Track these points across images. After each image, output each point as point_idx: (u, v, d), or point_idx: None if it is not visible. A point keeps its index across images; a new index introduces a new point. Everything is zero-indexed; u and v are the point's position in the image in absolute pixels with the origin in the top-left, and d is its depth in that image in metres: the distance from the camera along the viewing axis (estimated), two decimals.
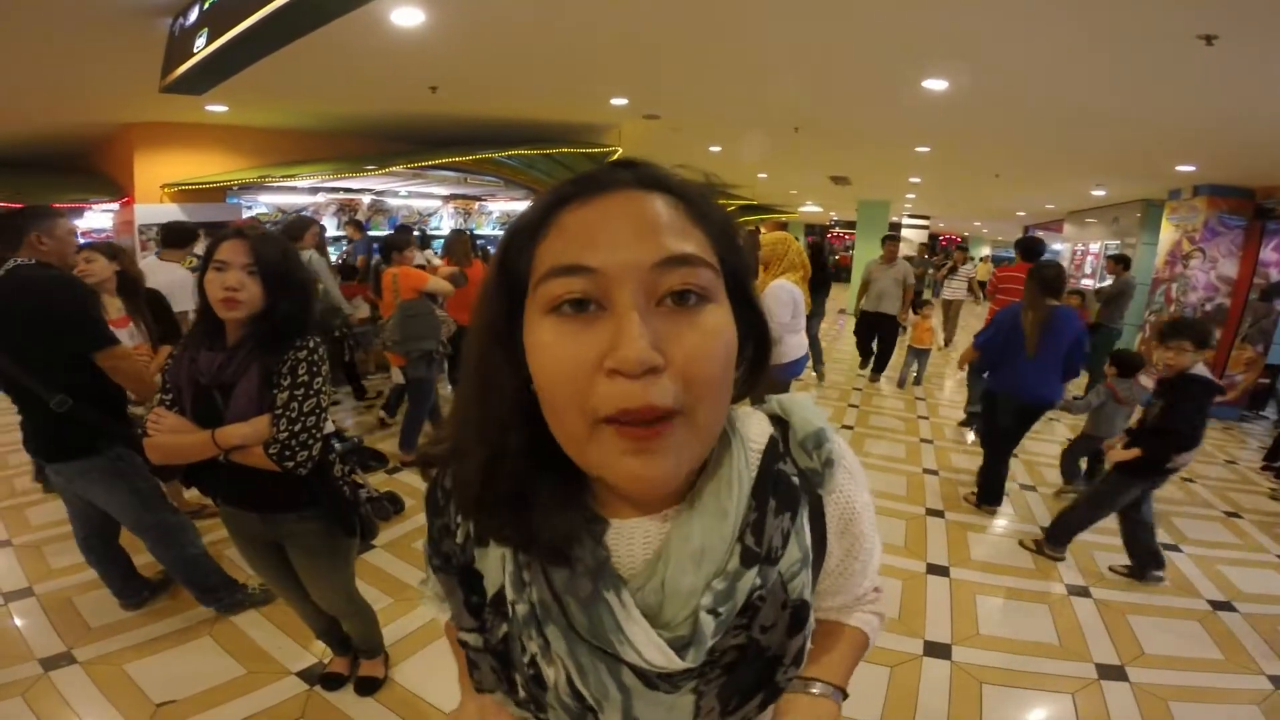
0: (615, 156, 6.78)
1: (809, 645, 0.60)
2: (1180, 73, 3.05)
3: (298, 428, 1.48)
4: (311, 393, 1.50)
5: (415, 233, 7.89)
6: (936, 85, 3.68)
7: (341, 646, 2.09)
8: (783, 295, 3.38)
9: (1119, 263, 6.98)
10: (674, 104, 4.81)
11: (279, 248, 1.52)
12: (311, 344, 1.53)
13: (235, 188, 6.31)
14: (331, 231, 8.59)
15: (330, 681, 2.06)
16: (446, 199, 10.24)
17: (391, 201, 9.41)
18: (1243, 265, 6.68)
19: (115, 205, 6.46)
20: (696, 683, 0.55)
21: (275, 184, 6.41)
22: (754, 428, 0.62)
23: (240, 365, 1.47)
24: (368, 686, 2.05)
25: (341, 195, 8.51)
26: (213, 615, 2.41)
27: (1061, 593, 2.99)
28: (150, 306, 2.75)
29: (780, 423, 0.64)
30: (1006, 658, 2.46)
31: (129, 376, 2.12)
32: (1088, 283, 9.93)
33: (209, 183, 5.81)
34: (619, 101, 4.73)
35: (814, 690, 0.68)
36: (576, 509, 0.56)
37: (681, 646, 0.52)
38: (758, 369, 0.58)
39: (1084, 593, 2.99)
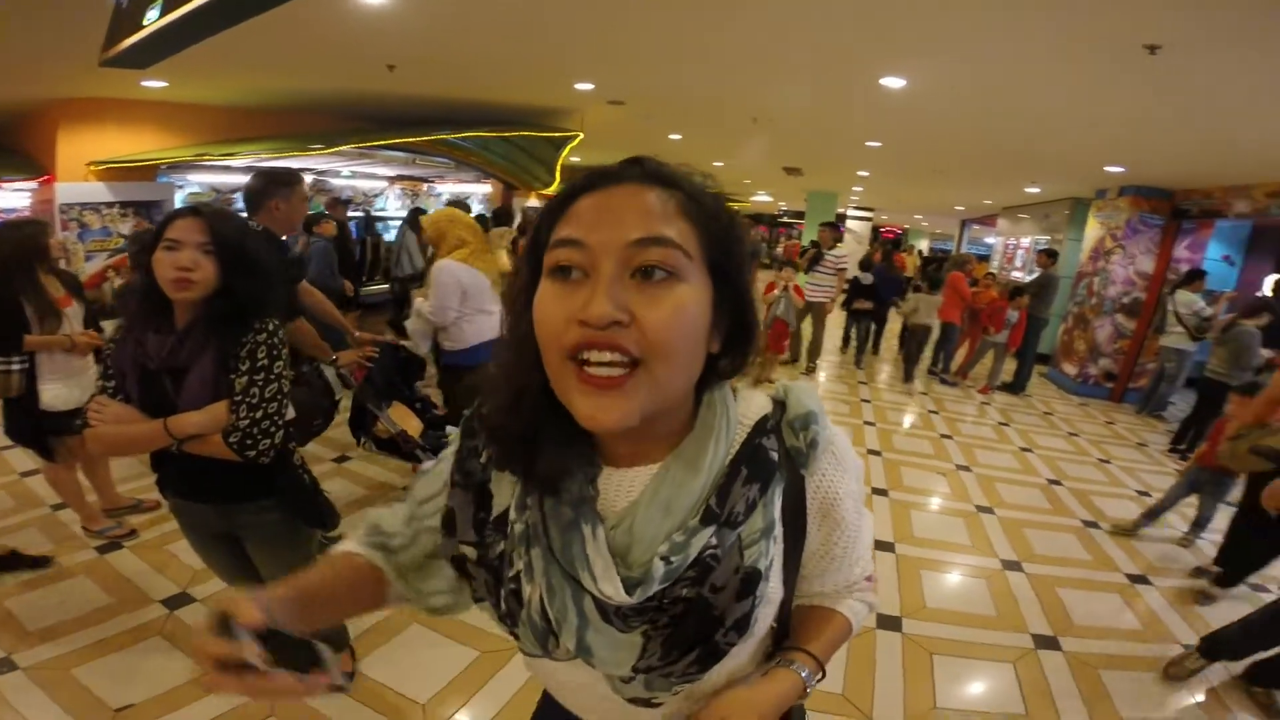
0: (577, 141, 6.78)
1: (757, 616, 0.64)
2: (1123, 80, 3.23)
3: (259, 414, 1.42)
4: (272, 377, 1.45)
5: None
6: (894, 83, 3.80)
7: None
8: (443, 278, 3.01)
9: (1048, 256, 7.41)
10: (639, 91, 4.80)
11: (237, 226, 1.47)
12: (271, 326, 1.47)
13: (164, 167, 5.97)
14: None
15: None
16: (392, 180, 9.93)
17: (334, 182, 9.08)
18: (1158, 261, 7.17)
19: (33, 184, 6.02)
20: (647, 628, 0.62)
21: (211, 163, 6.10)
22: (751, 406, 0.70)
23: (194, 348, 1.40)
24: None
25: None
26: (162, 614, 2.33)
27: (996, 567, 3.18)
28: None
29: (779, 405, 0.71)
30: (952, 629, 2.63)
31: (305, 343, 2.44)
32: (1018, 275, 10.47)
33: (139, 161, 5.49)
34: (584, 86, 4.69)
35: (793, 666, 0.75)
36: (577, 451, 0.65)
37: (633, 585, 0.60)
38: (738, 350, 0.66)
39: (1016, 567, 3.19)
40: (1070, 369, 7.87)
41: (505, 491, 0.68)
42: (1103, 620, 2.82)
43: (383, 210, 10.09)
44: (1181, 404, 6.61)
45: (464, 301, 3.06)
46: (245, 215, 2.39)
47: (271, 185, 2.33)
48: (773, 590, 0.67)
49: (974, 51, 3.19)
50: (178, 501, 1.61)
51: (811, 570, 0.75)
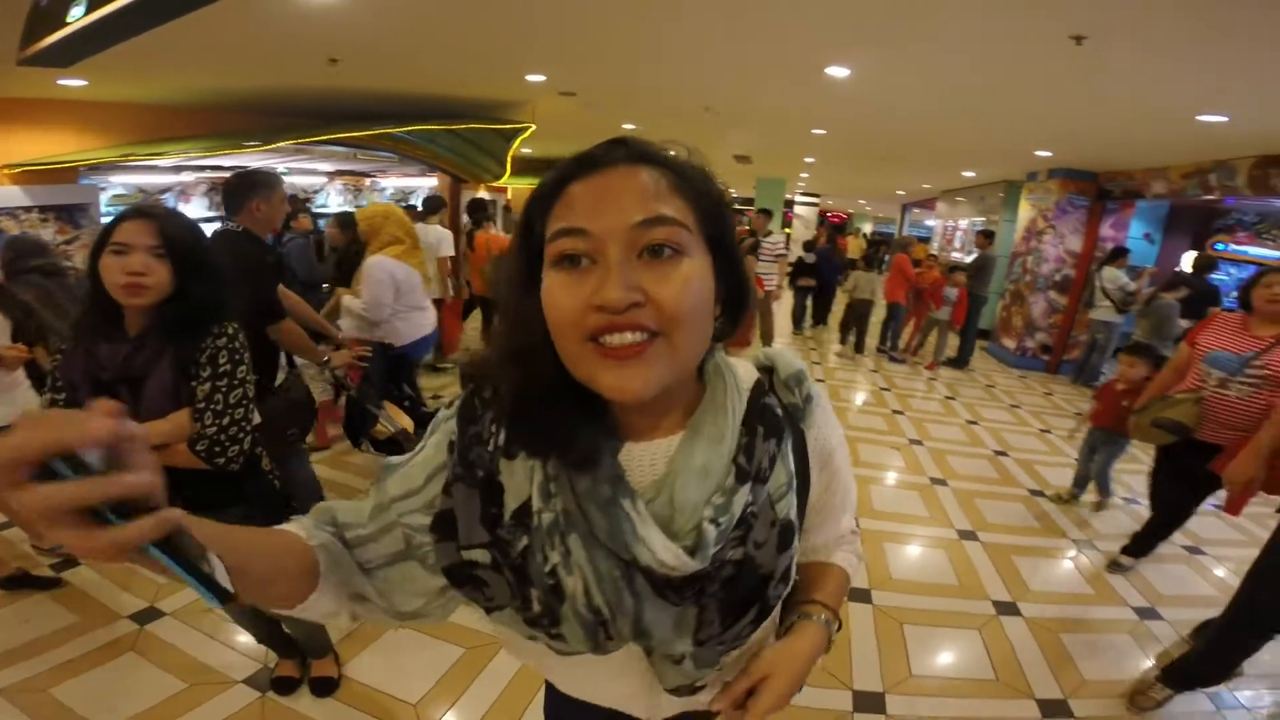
0: (528, 133, 6.69)
1: (794, 567, 0.69)
2: (1052, 69, 3.40)
3: (226, 421, 1.40)
4: (236, 382, 1.43)
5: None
6: (839, 73, 3.90)
7: (286, 649, 2.02)
8: (377, 274, 3.02)
9: (986, 237, 7.77)
10: (592, 81, 4.76)
11: (189, 227, 1.43)
12: (230, 330, 1.44)
13: (84, 169, 5.63)
14: (203, 212, 7.87)
15: (282, 685, 1.99)
16: (332, 175, 9.63)
17: None
18: (1086, 240, 7.59)
19: None
20: (699, 596, 0.63)
21: (137, 163, 5.78)
22: (743, 371, 0.72)
23: (150, 356, 1.36)
24: (324, 687, 2.00)
25: (210, 174, 7.79)
26: (132, 629, 2.26)
27: (954, 537, 3.34)
28: None
29: (766, 369, 0.75)
30: (918, 599, 2.75)
31: (293, 344, 2.43)
32: (957, 255, 10.91)
33: (59, 163, 5.17)
34: (536, 78, 4.63)
35: (815, 617, 0.78)
36: (599, 426, 0.65)
37: (689, 552, 0.60)
38: (735, 315, 0.68)
39: (972, 536, 3.35)
40: (1009, 343, 8.27)
41: (520, 481, 0.64)
42: (1056, 585, 2.98)
43: (324, 206, 9.77)
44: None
45: (398, 298, 3.05)
46: (224, 216, 2.37)
47: (252, 186, 2.31)
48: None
49: (914, 43, 3.29)
50: None
51: (812, 522, 0.78)
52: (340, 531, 0.71)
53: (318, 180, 9.55)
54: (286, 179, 8.95)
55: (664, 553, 0.59)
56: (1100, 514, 3.77)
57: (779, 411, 0.70)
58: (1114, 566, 3.14)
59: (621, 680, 0.75)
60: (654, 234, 0.57)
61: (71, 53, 2.64)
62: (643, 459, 0.66)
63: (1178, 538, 3.46)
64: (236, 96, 5.60)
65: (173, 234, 1.35)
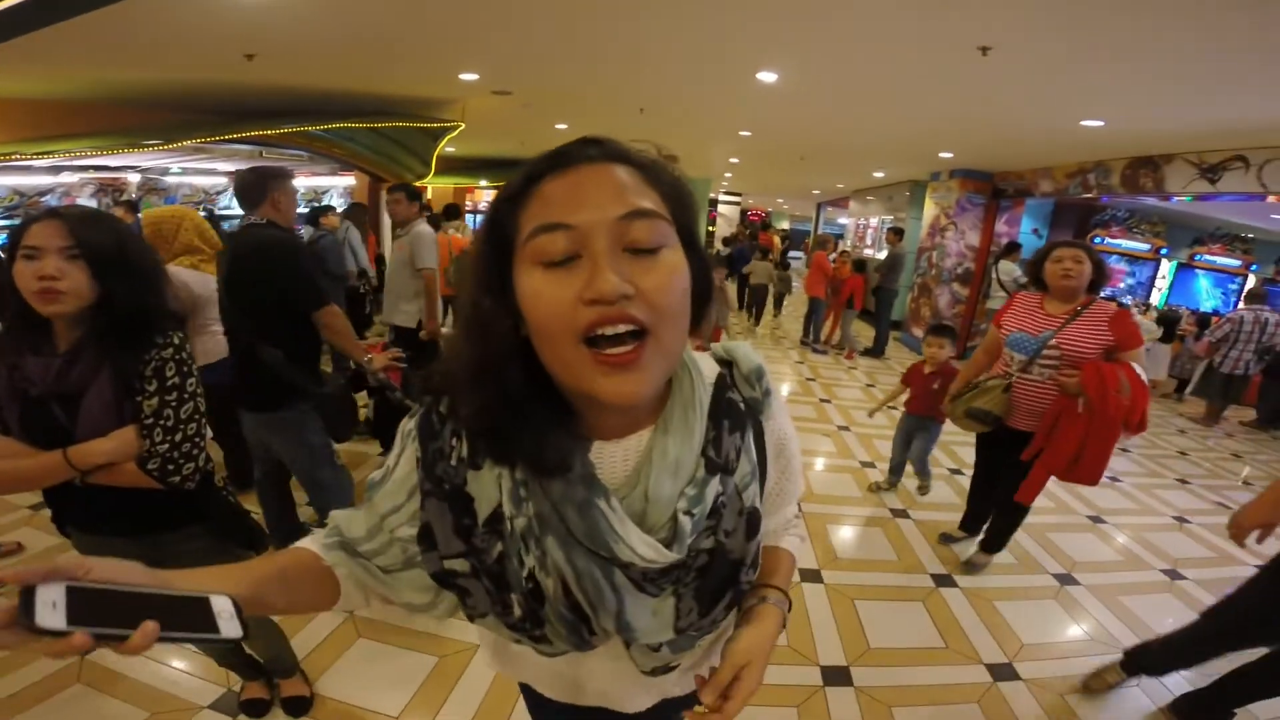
0: (457, 132, 6.53)
1: (760, 552, 0.72)
2: (959, 77, 3.70)
3: (178, 437, 1.33)
4: (187, 396, 1.36)
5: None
6: (768, 77, 4.07)
7: (250, 670, 1.94)
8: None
9: (897, 234, 8.27)
10: (528, 81, 4.73)
11: (109, 227, 1.33)
12: (177, 340, 1.36)
13: None
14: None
15: (252, 708, 1.92)
16: (233, 175, 9.05)
17: (167, 180, 8.13)
18: (983, 236, 8.21)
19: None
20: (675, 586, 0.65)
21: (15, 163, 5.24)
22: (706, 366, 0.74)
23: (87, 369, 1.27)
24: (297, 707, 1.94)
25: (94, 174, 7.14)
26: (74, 661, 2.09)
27: (888, 516, 3.55)
28: None
29: (725, 363, 0.77)
30: (865, 575, 2.92)
31: (339, 333, 2.36)
32: (869, 252, 11.53)
33: None
34: (469, 76, 4.55)
35: (769, 601, 0.79)
36: (568, 429, 0.65)
37: (666, 544, 0.62)
38: (701, 307, 0.66)
39: (904, 515, 3.58)
40: (919, 332, 8.82)
41: (488, 489, 0.64)
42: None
43: (227, 209, 9.18)
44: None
45: (194, 314, 2.72)
46: (243, 211, 2.31)
47: (270, 178, 2.30)
48: None
49: (837, 51, 3.51)
50: (85, 538, 1.47)
51: (767, 508, 0.79)
52: (350, 545, 0.73)
53: (219, 181, 8.97)
54: (181, 179, 8.41)
55: (642, 547, 0.61)
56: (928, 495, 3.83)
57: (742, 405, 0.72)
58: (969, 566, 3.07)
59: (603, 675, 0.78)
60: (637, 226, 0.57)
61: None
62: (614, 456, 0.67)
63: (1080, 508, 3.81)
64: (137, 91, 5.19)
65: (86, 234, 1.25)
